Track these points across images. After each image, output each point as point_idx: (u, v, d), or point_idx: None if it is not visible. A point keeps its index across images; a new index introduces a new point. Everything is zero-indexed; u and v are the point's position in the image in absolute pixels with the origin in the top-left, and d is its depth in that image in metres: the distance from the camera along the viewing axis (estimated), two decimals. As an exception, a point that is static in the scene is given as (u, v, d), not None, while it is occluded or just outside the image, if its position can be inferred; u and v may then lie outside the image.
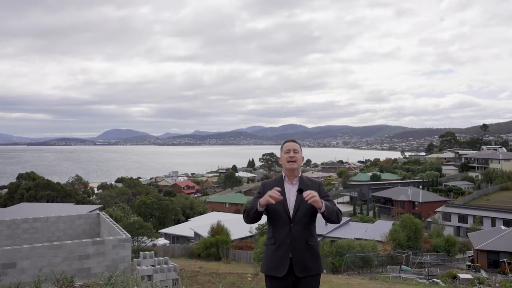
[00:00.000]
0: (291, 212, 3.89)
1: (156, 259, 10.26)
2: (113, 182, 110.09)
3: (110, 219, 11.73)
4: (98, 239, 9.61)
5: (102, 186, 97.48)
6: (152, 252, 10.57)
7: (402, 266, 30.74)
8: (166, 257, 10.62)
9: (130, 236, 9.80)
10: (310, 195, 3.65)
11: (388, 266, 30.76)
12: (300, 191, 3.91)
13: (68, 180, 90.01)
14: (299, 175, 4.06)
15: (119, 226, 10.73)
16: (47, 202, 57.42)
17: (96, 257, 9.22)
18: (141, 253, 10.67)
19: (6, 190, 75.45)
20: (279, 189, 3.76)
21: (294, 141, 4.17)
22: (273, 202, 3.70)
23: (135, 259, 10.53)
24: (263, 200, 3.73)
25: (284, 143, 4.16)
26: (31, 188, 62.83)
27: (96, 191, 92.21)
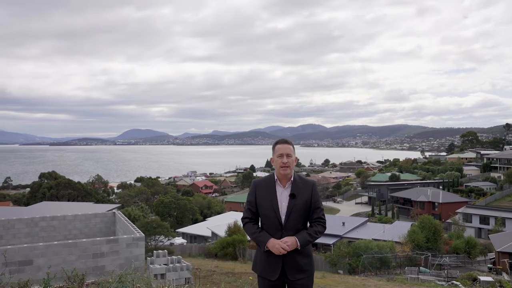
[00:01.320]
0: (282, 218, 3.80)
1: (169, 257, 10.34)
2: (132, 182, 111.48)
3: (125, 218, 11.87)
4: (112, 237, 9.75)
5: (122, 186, 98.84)
6: (165, 251, 10.66)
7: (421, 268, 30.33)
8: (179, 256, 10.70)
9: (143, 234, 9.90)
10: (282, 251, 3.67)
11: (406, 268, 30.36)
12: (292, 196, 3.81)
13: (89, 179, 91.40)
14: (292, 178, 3.89)
15: (134, 225, 10.85)
16: (68, 201, 58.43)
17: (110, 255, 9.34)
18: (154, 251, 10.77)
19: (29, 189, 77.09)
20: (286, 248, 3.70)
21: (286, 142, 3.95)
22: (279, 253, 3.71)
23: (149, 258, 10.62)
24: (271, 247, 3.72)
25: (276, 144, 3.95)
26: (53, 187, 64.07)
27: (115, 190, 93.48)
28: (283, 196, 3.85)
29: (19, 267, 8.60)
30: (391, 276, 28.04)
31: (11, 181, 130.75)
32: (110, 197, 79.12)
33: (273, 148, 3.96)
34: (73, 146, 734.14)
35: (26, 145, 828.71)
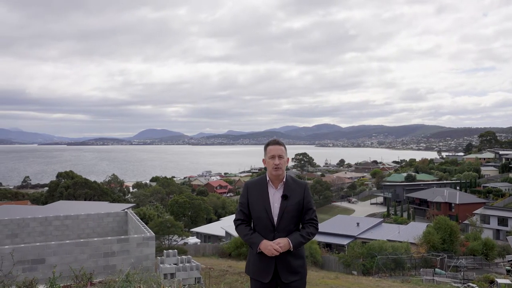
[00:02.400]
0: (275, 219, 3.77)
1: (179, 257, 10.38)
2: (148, 181, 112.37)
3: (137, 217, 11.97)
4: (122, 237, 9.84)
5: (137, 185, 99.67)
6: (175, 250, 10.71)
7: (436, 269, 29.95)
8: (189, 256, 10.74)
9: (154, 234, 9.97)
10: (275, 252, 3.64)
11: (421, 269, 30.03)
12: (284, 197, 3.79)
13: (105, 179, 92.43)
14: (284, 179, 3.87)
15: (145, 225, 10.94)
16: (85, 200, 59.21)
17: (121, 254, 9.43)
18: (164, 251, 10.83)
19: (47, 188, 78.33)
20: (278, 249, 3.67)
21: (278, 143, 3.91)
22: (271, 255, 3.69)
23: (159, 257, 10.68)
24: (263, 248, 3.69)
25: (267, 145, 3.91)
26: (70, 186, 64.98)
27: (131, 189, 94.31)
28: (275, 197, 3.83)
29: (32, 265, 8.75)
30: (405, 278, 27.76)
31: (30, 180, 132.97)
32: (126, 197, 79.94)
33: (265, 149, 3.93)
34: (90, 146, 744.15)
35: (45, 145, 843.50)
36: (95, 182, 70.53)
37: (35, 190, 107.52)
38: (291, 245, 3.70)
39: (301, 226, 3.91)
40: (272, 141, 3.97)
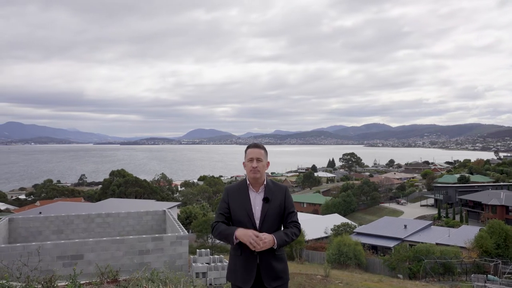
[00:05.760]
0: (257, 222, 3.70)
1: (211, 256, 10.52)
2: (195, 180, 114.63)
3: (174, 216, 12.24)
4: (157, 235, 10.09)
5: (185, 184, 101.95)
6: (207, 250, 10.85)
7: (489, 276, 28.50)
8: (221, 255, 10.85)
9: (187, 233, 10.14)
10: (259, 246, 3.47)
11: (472, 275, 28.66)
12: (266, 200, 3.74)
13: (154, 177, 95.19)
14: (264, 182, 3.83)
15: (180, 224, 11.17)
16: (135, 198, 61.28)
17: (155, 252, 9.67)
18: (197, 250, 11.00)
19: (101, 186, 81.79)
20: (261, 237, 3.51)
21: (258, 146, 3.89)
22: (252, 248, 3.53)
23: (192, 256, 10.87)
24: (241, 235, 3.56)
25: (247, 148, 3.91)
26: (121, 184, 67.49)
27: (179, 188, 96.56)
28: (256, 201, 3.78)
29: (72, 261, 9.16)
30: (455, 283, 26.67)
31: (86, 178, 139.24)
32: (174, 195, 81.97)
33: (245, 152, 3.93)
34: (142, 145, 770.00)
35: (100, 144, 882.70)
36: (145, 180, 72.88)
37: (90, 187, 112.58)
38: (276, 242, 3.57)
39: (283, 228, 3.83)
40: (252, 144, 3.97)
